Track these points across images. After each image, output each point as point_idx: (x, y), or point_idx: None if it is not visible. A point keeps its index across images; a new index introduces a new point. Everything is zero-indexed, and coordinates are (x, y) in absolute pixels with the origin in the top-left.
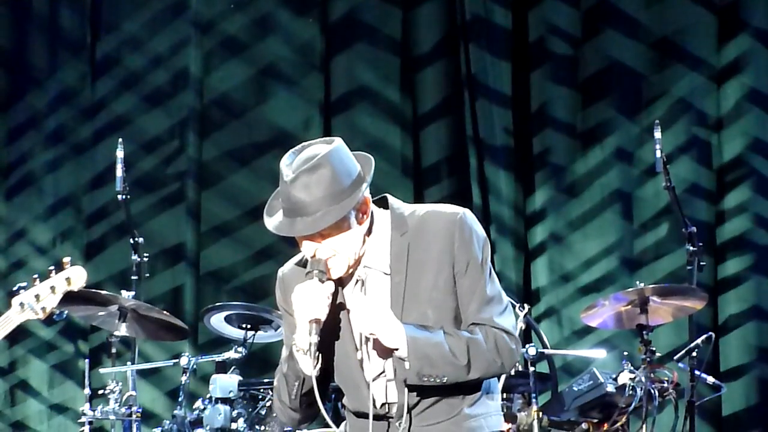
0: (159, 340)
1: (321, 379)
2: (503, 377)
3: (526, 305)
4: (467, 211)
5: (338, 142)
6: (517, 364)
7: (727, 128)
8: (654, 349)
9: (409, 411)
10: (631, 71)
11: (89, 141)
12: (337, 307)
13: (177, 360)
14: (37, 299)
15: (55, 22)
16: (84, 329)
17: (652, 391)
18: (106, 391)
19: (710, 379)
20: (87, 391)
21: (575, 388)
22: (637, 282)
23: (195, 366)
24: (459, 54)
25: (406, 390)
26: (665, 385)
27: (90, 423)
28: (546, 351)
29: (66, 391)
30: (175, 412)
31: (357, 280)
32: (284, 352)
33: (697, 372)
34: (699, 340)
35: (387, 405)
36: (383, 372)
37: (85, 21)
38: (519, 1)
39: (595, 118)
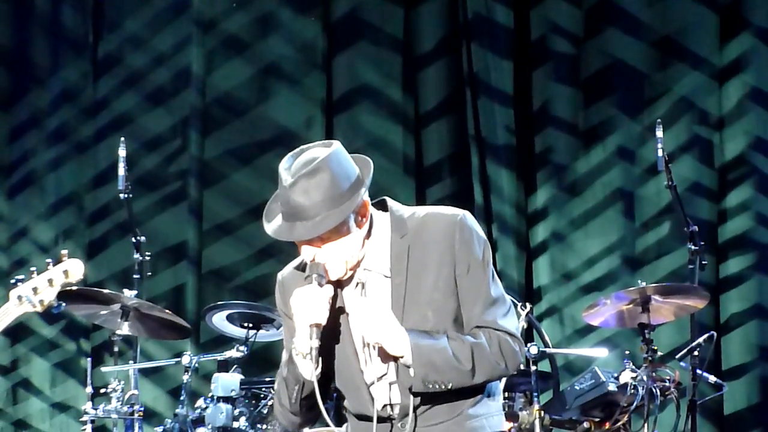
0: (161, 339)
1: (321, 382)
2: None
3: (527, 304)
4: (467, 213)
5: (337, 145)
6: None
7: (729, 127)
8: (656, 348)
9: (413, 412)
10: (632, 70)
11: (91, 139)
12: (337, 311)
13: (179, 359)
14: (35, 292)
15: (58, 21)
16: (86, 328)
17: (654, 390)
18: (108, 390)
19: (712, 378)
20: (89, 389)
21: (577, 387)
22: (639, 281)
23: (197, 365)
24: (461, 53)
25: (412, 395)
26: (667, 384)
27: (92, 422)
28: (548, 350)
29: (68, 389)
30: (177, 410)
31: (357, 283)
32: (284, 356)
33: (698, 371)
34: (701, 339)
35: (389, 406)
36: (385, 374)
37: (87, 20)
38: (521, 0)
39: (597, 117)
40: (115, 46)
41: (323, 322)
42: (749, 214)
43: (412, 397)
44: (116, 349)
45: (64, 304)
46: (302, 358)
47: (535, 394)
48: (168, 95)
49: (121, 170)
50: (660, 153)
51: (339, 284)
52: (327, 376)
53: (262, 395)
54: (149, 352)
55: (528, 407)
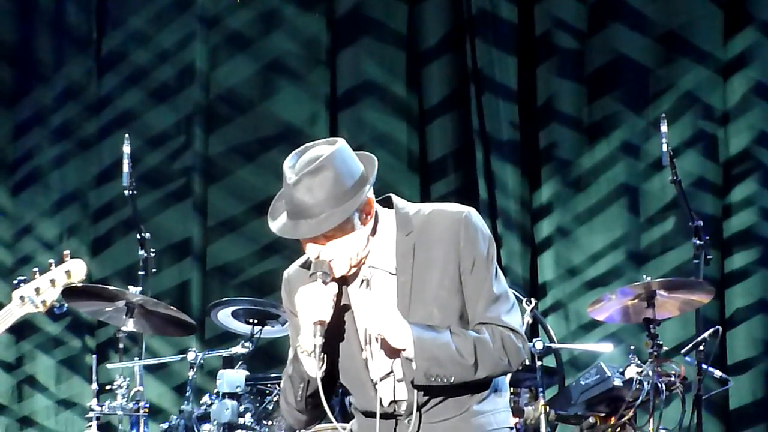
0: (166, 336)
1: (327, 380)
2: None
3: (532, 299)
4: (472, 210)
5: (341, 143)
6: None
7: (734, 122)
8: (661, 343)
9: (418, 408)
10: (637, 65)
11: (95, 136)
12: (342, 308)
13: (184, 355)
14: (38, 292)
15: (61, 18)
16: (91, 325)
17: (659, 385)
18: (114, 387)
19: (717, 373)
20: (94, 386)
21: (582, 382)
22: (644, 276)
23: (202, 361)
24: (465, 48)
25: (414, 389)
26: (672, 379)
27: (97, 418)
28: (553, 345)
29: (73, 386)
30: (183, 407)
31: (362, 281)
32: (290, 354)
33: (704, 366)
34: (706, 334)
35: (395, 403)
36: (391, 372)
37: (91, 16)
38: None
39: (602, 112)
40: (118, 42)
41: (327, 319)
42: (754, 208)
43: (416, 392)
44: (121, 345)
45: (66, 305)
46: (307, 356)
47: (541, 389)
48: (172, 92)
49: (126, 167)
50: (665, 148)
51: (344, 282)
52: (332, 374)
53: (267, 391)
54: (154, 348)
55: (533, 402)
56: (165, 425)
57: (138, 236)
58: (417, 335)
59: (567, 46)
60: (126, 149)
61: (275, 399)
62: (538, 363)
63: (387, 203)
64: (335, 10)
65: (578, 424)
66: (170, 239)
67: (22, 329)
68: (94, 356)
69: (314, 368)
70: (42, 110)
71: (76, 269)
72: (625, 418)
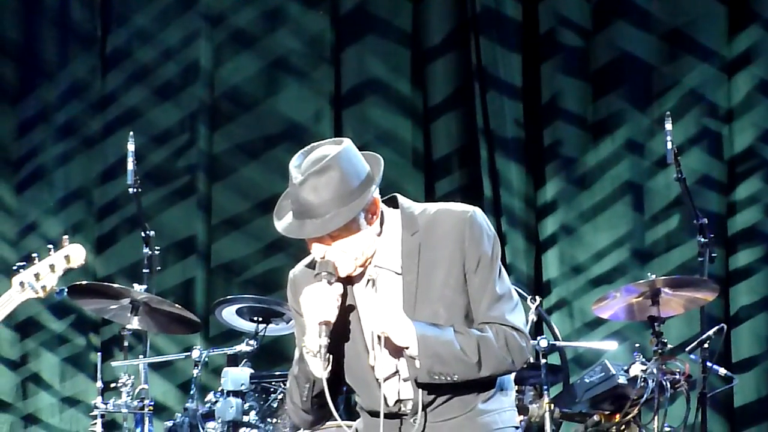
0: (170, 333)
1: (332, 380)
2: None
3: (537, 297)
4: (477, 210)
5: (347, 142)
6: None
7: (738, 119)
8: (665, 340)
9: (424, 408)
10: (641, 63)
11: (100, 134)
12: (347, 308)
13: (189, 353)
14: (37, 278)
15: (66, 16)
16: (96, 322)
17: (664, 383)
18: (118, 384)
19: (722, 371)
20: (99, 384)
21: (587, 380)
22: (649, 274)
23: (206, 359)
24: (469, 46)
25: (419, 387)
26: (677, 376)
27: (102, 416)
28: (557, 343)
29: (78, 384)
30: (187, 405)
31: (368, 280)
32: (296, 354)
33: (708, 363)
34: (711, 332)
35: (400, 402)
36: (396, 371)
37: (96, 14)
38: None
39: (606, 110)
40: (123, 40)
41: (332, 319)
42: (758, 206)
43: (421, 391)
44: (126, 343)
45: (66, 290)
46: (312, 356)
47: (545, 387)
48: (176, 89)
49: (130, 165)
50: (669, 146)
51: (350, 282)
52: (338, 374)
53: (272, 389)
54: (159, 346)
55: (538, 400)
56: (170, 423)
57: (142, 234)
58: (420, 333)
59: (571, 43)
60: (130, 147)
61: (280, 397)
62: (543, 361)
63: (392, 203)
64: (340, 7)
65: (583, 421)
66: (175, 237)
67: (26, 327)
68: (99, 354)
69: (320, 369)
70: (46, 108)
71: (75, 254)
72: (630, 416)
